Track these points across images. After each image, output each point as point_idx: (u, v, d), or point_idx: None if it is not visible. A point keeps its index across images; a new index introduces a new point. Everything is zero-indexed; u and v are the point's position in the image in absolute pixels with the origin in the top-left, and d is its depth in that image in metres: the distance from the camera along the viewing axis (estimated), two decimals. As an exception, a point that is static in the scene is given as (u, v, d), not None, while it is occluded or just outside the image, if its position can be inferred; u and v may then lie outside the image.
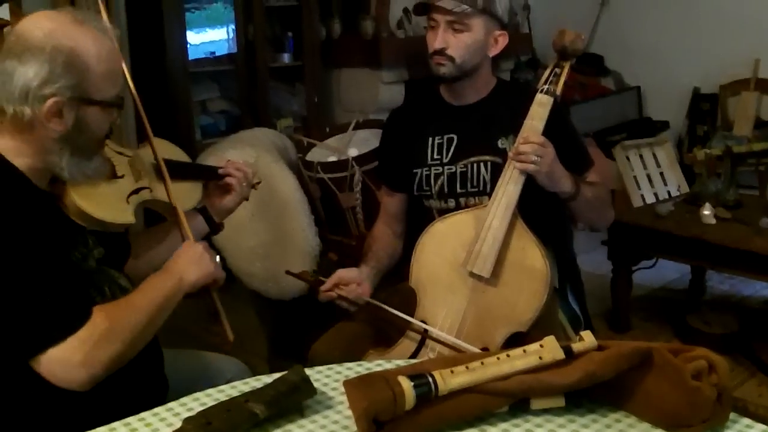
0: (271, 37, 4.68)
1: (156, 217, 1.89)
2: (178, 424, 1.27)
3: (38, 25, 1.48)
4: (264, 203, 2.93)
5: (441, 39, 2.08)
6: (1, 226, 1.39)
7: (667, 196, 4.09)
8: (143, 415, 1.36)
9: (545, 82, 2.01)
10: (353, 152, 3.15)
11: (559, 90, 1.99)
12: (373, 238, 2.33)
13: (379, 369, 1.50)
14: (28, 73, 1.44)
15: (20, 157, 1.50)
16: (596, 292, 2.41)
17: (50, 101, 1.45)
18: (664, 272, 4.05)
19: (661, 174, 4.35)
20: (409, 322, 1.98)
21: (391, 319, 2.01)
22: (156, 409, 1.38)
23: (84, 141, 1.54)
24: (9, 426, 1.51)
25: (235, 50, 4.60)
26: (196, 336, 2.88)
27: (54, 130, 1.49)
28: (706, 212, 3.24)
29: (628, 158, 4.28)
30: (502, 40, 2.13)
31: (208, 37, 4.79)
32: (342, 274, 2.09)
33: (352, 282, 2.08)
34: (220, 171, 1.96)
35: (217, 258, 1.73)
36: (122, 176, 1.69)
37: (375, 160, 3.02)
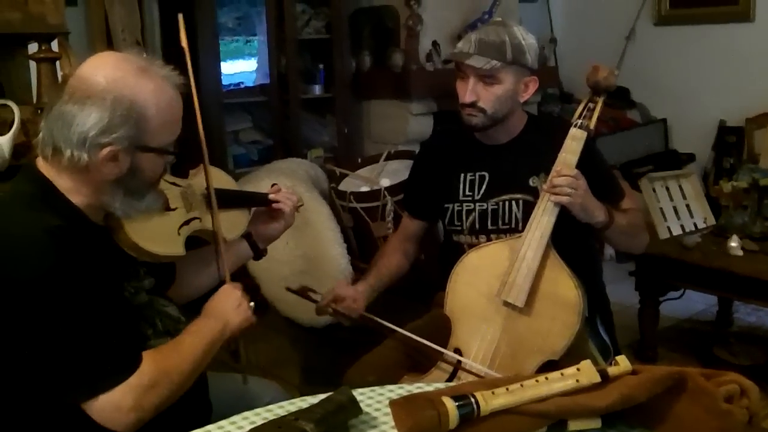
0: (302, 69, 4.78)
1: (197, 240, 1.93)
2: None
3: (102, 72, 1.50)
4: (298, 232, 3.01)
5: (472, 93, 2.12)
6: (62, 270, 1.42)
7: (693, 228, 4.12)
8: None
9: (579, 117, 2.06)
10: (385, 182, 3.24)
11: (592, 125, 2.05)
12: (381, 254, 2.42)
13: (419, 391, 1.56)
14: (88, 121, 1.46)
15: (77, 196, 1.54)
16: (623, 323, 2.45)
17: (107, 149, 1.48)
18: (691, 304, 4.07)
19: (687, 206, 4.38)
20: (442, 352, 2.03)
21: (424, 347, 2.06)
22: (199, 430, 1.42)
23: (137, 184, 1.57)
24: None
25: (265, 81, 4.71)
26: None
27: (108, 174, 1.52)
28: (733, 244, 3.27)
29: (654, 190, 4.32)
30: (533, 85, 2.18)
31: (239, 68, 4.91)
32: (339, 291, 2.19)
33: (348, 298, 2.17)
34: (271, 197, 2.00)
35: (251, 304, 1.77)
36: (175, 209, 1.74)
37: (406, 189, 3.10)
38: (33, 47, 2.66)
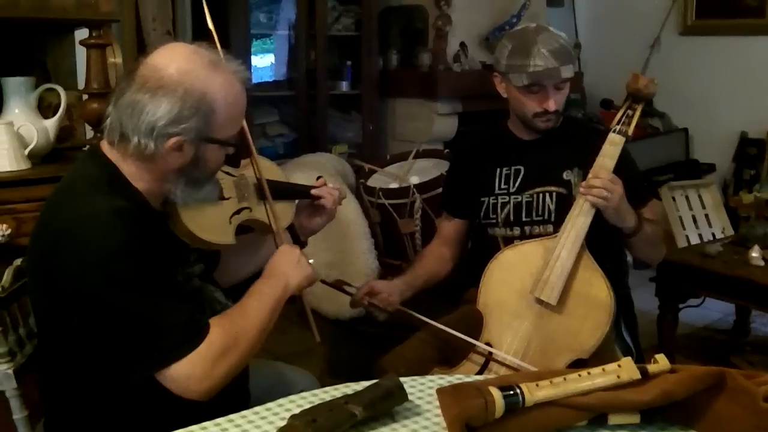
0: (330, 65, 4.82)
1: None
2: (264, 427, 1.38)
3: (174, 64, 1.53)
4: (327, 225, 3.05)
5: (554, 102, 2.20)
6: (131, 247, 1.47)
7: (711, 238, 4.15)
8: (231, 416, 1.44)
9: (618, 123, 2.13)
10: (414, 180, 3.28)
11: (630, 131, 2.11)
12: (421, 255, 2.47)
13: (467, 380, 1.60)
14: (158, 111, 1.50)
15: (140, 182, 1.58)
16: (642, 328, 2.49)
17: (174, 139, 1.52)
18: (708, 312, 4.11)
19: (706, 216, 4.42)
20: (473, 345, 2.08)
21: (455, 339, 2.10)
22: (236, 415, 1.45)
23: (199, 174, 1.61)
24: (95, 427, 1.60)
25: (292, 77, 4.75)
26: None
27: (173, 163, 1.56)
28: (755, 254, 3.30)
29: (674, 199, 4.36)
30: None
31: (267, 62, 4.95)
32: (374, 284, 2.24)
33: (383, 292, 2.21)
34: (314, 192, 2.03)
35: (311, 261, 1.79)
36: (228, 198, 1.78)
37: (435, 188, 3.15)
38: (80, 33, 2.71)
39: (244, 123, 1.83)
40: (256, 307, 1.62)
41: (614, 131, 2.12)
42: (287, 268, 1.72)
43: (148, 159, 1.55)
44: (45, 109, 2.67)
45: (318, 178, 2.09)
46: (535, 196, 2.26)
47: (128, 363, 1.51)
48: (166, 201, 1.64)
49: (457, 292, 2.44)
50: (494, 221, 2.31)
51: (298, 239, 2.04)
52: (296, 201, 2.04)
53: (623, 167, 2.15)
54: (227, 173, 1.81)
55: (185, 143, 1.54)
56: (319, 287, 3.01)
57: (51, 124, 2.61)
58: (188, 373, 1.48)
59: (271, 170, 1.99)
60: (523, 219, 2.26)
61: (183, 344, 1.49)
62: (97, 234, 1.46)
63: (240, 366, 1.57)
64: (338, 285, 2.31)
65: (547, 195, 2.24)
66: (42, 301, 1.60)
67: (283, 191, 1.99)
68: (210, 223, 1.70)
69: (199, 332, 1.51)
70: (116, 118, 1.54)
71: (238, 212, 1.80)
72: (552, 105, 2.20)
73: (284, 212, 1.97)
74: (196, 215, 1.66)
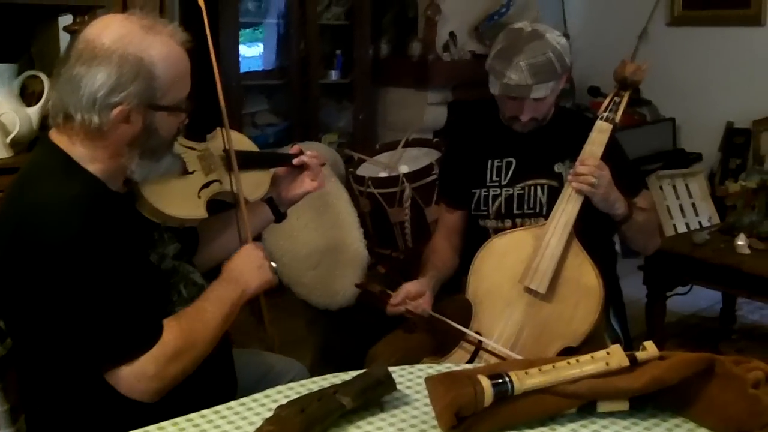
0: (321, 54, 4.78)
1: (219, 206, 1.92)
2: (251, 418, 1.39)
3: (106, 32, 1.49)
4: (317, 215, 3.05)
5: (529, 112, 2.19)
6: (88, 236, 1.43)
7: (698, 227, 4.18)
8: (218, 408, 1.44)
9: (605, 110, 2.13)
10: (404, 169, 3.27)
11: (618, 118, 2.11)
12: (431, 250, 2.41)
13: (456, 369, 1.60)
14: (96, 81, 1.46)
15: (94, 163, 1.53)
16: (631, 316, 2.50)
17: (117, 109, 1.47)
18: (695, 300, 4.12)
19: (693, 205, 4.46)
20: (465, 333, 2.08)
21: (447, 329, 2.10)
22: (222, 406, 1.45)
23: (152, 144, 1.57)
24: (80, 419, 1.58)
25: (282, 65, 4.73)
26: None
27: (123, 135, 1.52)
28: (741, 242, 3.31)
29: (661, 188, 4.38)
30: (566, 77, 2.24)
31: (257, 51, 4.91)
32: (409, 288, 2.16)
33: (419, 296, 2.15)
34: (296, 160, 1.97)
35: (273, 264, 1.77)
36: (193, 172, 1.74)
37: (425, 176, 3.15)
38: (65, 20, 2.67)
39: (219, 88, 1.81)
40: (212, 311, 1.61)
41: (601, 118, 2.12)
42: (247, 271, 1.70)
43: (96, 136, 1.50)
44: (28, 96, 2.64)
45: (292, 145, 2.05)
46: (526, 188, 2.26)
47: (78, 359, 1.49)
48: (128, 181, 1.60)
49: (455, 281, 2.42)
50: (485, 213, 2.30)
51: (278, 211, 2.01)
52: (271, 170, 1.98)
53: (613, 156, 2.15)
54: (190, 147, 1.77)
55: (132, 112, 1.50)
56: (307, 277, 3.04)
57: (34, 111, 2.58)
58: (139, 373, 1.47)
59: (241, 141, 1.94)
60: (515, 212, 2.26)
61: (136, 344, 1.48)
62: (51, 223, 1.44)
63: (191, 369, 1.55)
64: (372, 289, 2.26)
65: (539, 188, 2.24)
66: (5, 293, 1.55)
67: (256, 160, 1.94)
68: (176, 198, 1.66)
69: (153, 333, 1.49)
70: (57, 98, 1.51)
71: (206, 185, 1.76)
72: (525, 115, 2.19)
73: (259, 181, 1.93)
74: (160, 192, 1.63)
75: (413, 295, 2.15)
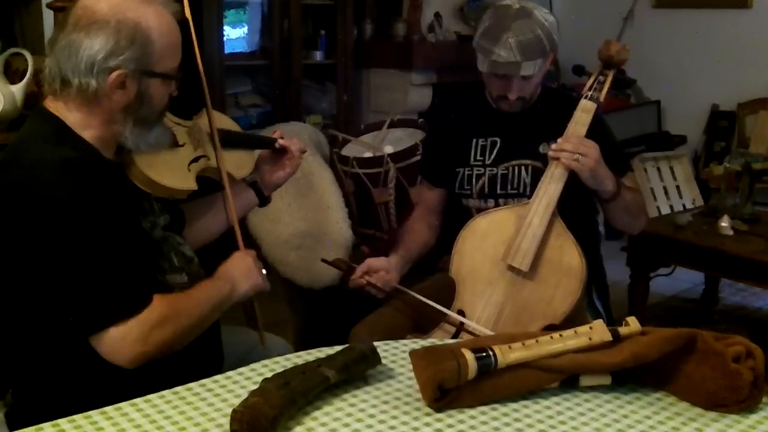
0: (304, 35, 4.77)
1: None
2: (237, 392, 1.39)
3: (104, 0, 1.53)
4: (301, 195, 3.04)
5: (517, 91, 2.18)
6: (79, 199, 1.46)
7: (682, 209, 4.21)
8: (203, 381, 1.45)
9: (589, 89, 2.13)
10: (388, 149, 3.25)
11: (602, 97, 2.11)
12: (406, 229, 2.42)
13: (440, 343, 1.60)
14: (94, 45, 1.50)
15: (88, 130, 1.56)
16: (614, 297, 2.52)
17: (114, 73, 1.51)
18: (677, 282, 4.16)
19: (677, 187, 4.49)
20: (445, 314, 2.08)
21: (428, 308, 2.10)
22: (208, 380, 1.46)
23: (145, 112, 1.60)
24: (66, 391, 1.58)
25: (266, 46, 4.70)
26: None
27: (117, 102, 1.55)
28: (724, 224, 3.34)
29: (645, 170, 4.41)
30: (552, 56, 2.24)
31: (241, 32, 4.89)
32: (371, 262, 2.19)
33: (381, 270, 2.17)
34: (279, 144, 2.01)
35: (264, 270, 1.82)
36: (183, 145, 1.78)
37: (409, 157, 3.14)
38: (49, -5, 2.66)
39: (200, 68, 1.85)
40: (199, 297, 1.65)
41: (586, 98, 2.11)
42: (237, 274, 1.75)
43: (92, 102, 1.54)
44: (12, 74, 2.63)
45: (274, 131, 2.06)
46: (510, 169, 2.25)
47: (66, 321, 1.50)
48: (121, 150, 1.63)
49: (432, 260, 2.44)
50: (468, 192, 2.30)
51: (262, 195, 2.03)
52: (256, 152, 2.01)
53: (600, 135, 2.14)
54: (179, 123, 1.81)
55: (127, 78, 1.54)
56: (291, 257, 3.04)
57: (18, 89, 2.57)
58: (123, 335, 1.49)
59: (225, 121, 1.97)
60: (498, 192, 2.26)
61: (124, 308, 1.49)
62: (44, 184, 1.46)
63: (174, 343, 1.57)
64: (337, 264, 2.29)
65: (523, 168, 2.24)
66: None
67: (241, 140, 1.98)
68: (167, 168, 1.69)
69: (142, 299, 1.51)
70: (54, 64, 1.54)
71: (195, 160, 1.79)
72: (513, 94, 2.18)
73: (243, 161, 1.96)
74: (153, 161, 1.66)
75: (375, 269, 2.16)
